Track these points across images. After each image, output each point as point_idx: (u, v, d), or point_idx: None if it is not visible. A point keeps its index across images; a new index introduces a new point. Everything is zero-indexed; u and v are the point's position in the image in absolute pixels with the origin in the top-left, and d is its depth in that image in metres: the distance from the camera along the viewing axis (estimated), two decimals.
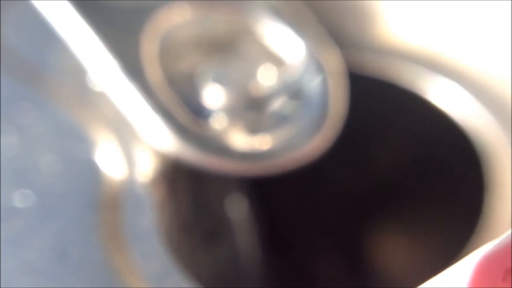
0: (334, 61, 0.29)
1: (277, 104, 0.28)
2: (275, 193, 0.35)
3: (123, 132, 0.27)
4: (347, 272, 0.36)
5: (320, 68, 0.29)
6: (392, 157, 0.35)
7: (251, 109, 0.28)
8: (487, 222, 0.28)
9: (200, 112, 0.27)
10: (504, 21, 0.31)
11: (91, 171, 0.26)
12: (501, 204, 0.28)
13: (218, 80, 0.28)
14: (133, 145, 0.27)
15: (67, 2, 0.27)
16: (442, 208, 0.33)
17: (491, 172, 0.29)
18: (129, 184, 0.26)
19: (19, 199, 0.25)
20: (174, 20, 0.28)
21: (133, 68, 0.27)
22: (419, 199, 0.34)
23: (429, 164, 0.33)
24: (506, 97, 0.30)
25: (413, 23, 0.32)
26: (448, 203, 0.33)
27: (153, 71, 0.27)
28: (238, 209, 0.33)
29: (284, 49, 0.29)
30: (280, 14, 0.29)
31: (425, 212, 0.34)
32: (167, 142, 0.26)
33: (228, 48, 0.29)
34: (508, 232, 0.14)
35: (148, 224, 0.25)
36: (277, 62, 0.29)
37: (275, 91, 0.28)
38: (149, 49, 0.27)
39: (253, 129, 0.28)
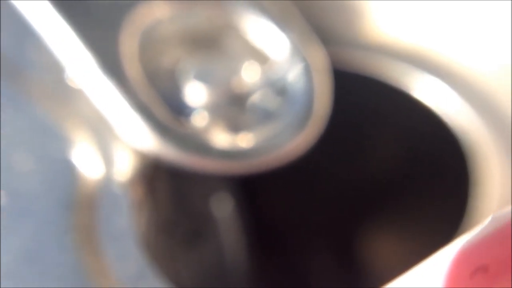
0: (319, 58, 0.29)
1: (261, 101, 0.28)
2: (259, 192, 0.35)
3: (101, 130, 0.26)
4: (335, 270, 0.36)
5: (305, 64, 0.28)
6: (378, 154, 0.35)
7: (234, 106, 0.28)
8: (472, 217, 0.28)
9: (181, 110, 0.27)
10: (489, 19, 0.31)
11: (67, 170, 0.25)
12: (485, 199, 0.28)
13: (200, 77, 0.28)
14: (111, 144, 0.26)
15: None
16: (428, 204, 0.33)
17: (476, 168, 0.29)
18: (106, 184, 0.25)
19: None
20: (155, 16, 0.28)
21: (111, 65, 0.26)
22: (405, 195, 0.34)
23: (415, 160, 0.33)
24: (490, 94, 0.30)
25: (399, 20, 0.32)
26: (434, 198, 0.33)
27: (133, 68, 0.27)
28: (220, 209, 0.33)
29: (268, 46, 0.29)
30: (264, 9, 0.29)
31: (411, 207, 0.34)
32: (147, 140, 0.26)
33: (211, 44, 0.29)
34: (476, 230, 0.14)
35: (125, 224, 0.24)
36: (261, 58, 0.29)
37: (259, 88, 0.28)
38: (129, 45, 0.27)
39: (236, 126, 0.27)
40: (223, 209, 0.33)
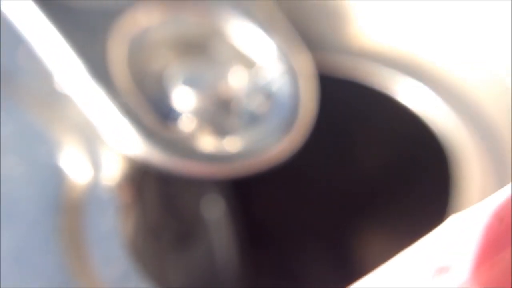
0: (304, 63, 0.29)
1: (248, 105, 0.28)
2: (247, 195, 0.35)
3: (89, 135, 0.27)
4: (324, 269, 0.36)
5: (290, 69, 0.29)
6: (363, 156, 0.35)
7: (221, 110, 0.28)
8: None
9: (169, 115, 0.27)
10: (472, 26, 0.31)
11: (55, 174, 0.26)
12: (466, 200, 0.28)
13: (188, 82, 0.28)
14: (99, 148, 0.27)
15: (33, 4, 0.27)
16: (411, 204, 0.33)
17: (458, 170, 0.29)
18: (93, 188, 0.26)
19: None
20: (143, 22, 0.28)
21: (99, 71, 0.27)
22: (390, 195, 0.34)
23: (399, 162, 0.34)
24: (472, 98, 0.31)
25: (383, 26, 0.32)
26: (417, 199, 0.33)
27: (121, 74, 0.27)
28: (208, 212, 0.33)
29: (255, 51, 0.29)
30: (251, 16, 0.29)
31: (395, 208, 0.34)
32: (134, 145, 0.26)
33: (199, 50, 0.29)
34: (436, 231, 0.15)
35: (111, 227, 0.25)
36: (248, 63, 0.29)
37: (245, 93, 0.28)
38: (117, 51, 0.27)
39: (223, 130, 0.28)
40: (212, 212, 0.33)
